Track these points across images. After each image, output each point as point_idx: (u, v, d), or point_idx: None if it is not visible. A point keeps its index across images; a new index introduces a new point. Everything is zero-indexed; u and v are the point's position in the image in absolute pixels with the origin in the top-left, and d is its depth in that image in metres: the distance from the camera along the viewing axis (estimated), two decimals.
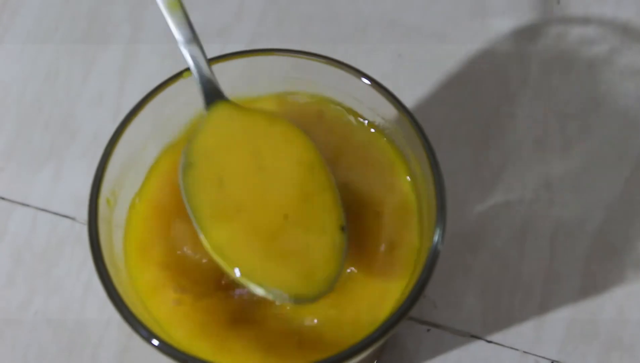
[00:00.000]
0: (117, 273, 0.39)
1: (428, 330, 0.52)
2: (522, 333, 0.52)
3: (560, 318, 0.52)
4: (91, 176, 0.40)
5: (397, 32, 0.61)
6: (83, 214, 0.55)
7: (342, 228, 0.40)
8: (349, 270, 0.41)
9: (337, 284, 0.39)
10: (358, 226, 0.42)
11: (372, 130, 0.45)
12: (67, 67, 0.60)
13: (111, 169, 0.40)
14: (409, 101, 0.57)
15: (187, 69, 0.41)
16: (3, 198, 0.56)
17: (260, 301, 0.41)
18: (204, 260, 0.41)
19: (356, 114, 0.45)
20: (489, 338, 0.52)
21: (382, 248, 0.42)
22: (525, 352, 0.51)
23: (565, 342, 0.52)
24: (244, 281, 0.37)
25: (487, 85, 0.59)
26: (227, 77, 0.43)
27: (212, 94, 0.41)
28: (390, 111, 0.43)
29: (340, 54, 0.44)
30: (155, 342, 0.36)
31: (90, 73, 0.60)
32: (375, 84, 0.43)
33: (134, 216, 0.43)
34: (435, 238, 0.39)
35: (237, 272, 0.37)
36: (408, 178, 0.43)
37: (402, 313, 0.37)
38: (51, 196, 0.56)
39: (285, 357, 0.39)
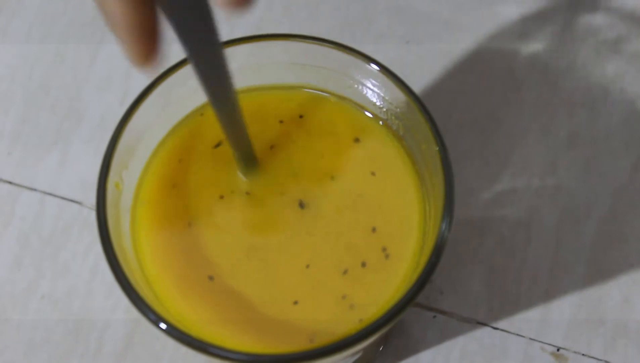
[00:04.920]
0: (125, 257, 0.39)
1: (434, 317, 0.52)
2: (528, 320, 0.52)
3: (566, 305, 0.52)
4: (98, 160, 0.40)
5: (405, 19, 0.61)
6: (90, 198, 0.55)
7: None
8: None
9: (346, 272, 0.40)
10: (363, 214, 0.42)
11: (380, 116, 0.45)
12: (74, 51, 0.60)
13: (119, 153, 0.40)
14: (416, 88, 0.57)
15: None
16: (10, 182, 0.56)
17: (270, 298, 0.41)
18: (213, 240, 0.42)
19: (363, 103, 0.45)
20: (495, 325, 0.52)
21: (389, 235, 0.42)
22: (531, 338, 0.51)
23: (571, 329, 0.52)
24: None
25: (494, 72, 0.59)
26: (234, 62, 0.43)
27: None
28: (399, 97, 0.43)
29: (347, 40, 0.44)
30: (163, 325, 0.36)
31: (97, 57, 0.60)
32: (384, 69, 0.43)
33: (142, 197, 0.43)
34: (443, 225, 0.39)
35: None
36: (415, 165, 0.44)
37: (408, 299, 0.37)
38: (58, 181, 0.56)
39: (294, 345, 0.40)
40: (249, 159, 0.43)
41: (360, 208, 0.43)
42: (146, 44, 0.32)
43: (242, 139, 0.41)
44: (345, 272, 0.41)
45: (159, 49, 0.32)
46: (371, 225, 0.42)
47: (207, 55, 0.34)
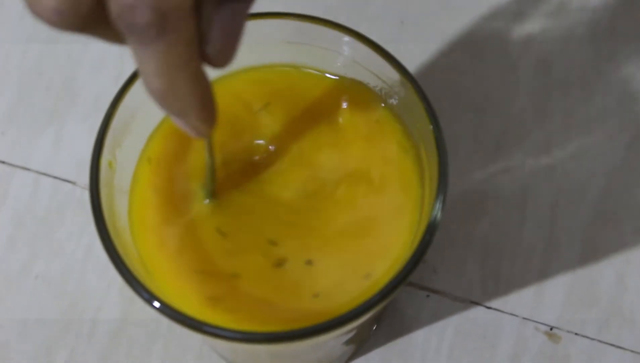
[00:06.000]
0: (119, 236, 0.39)
1: (428, 296, 0.52)
2: (521, 300, 0.52)
3: (560, 285, 0.52)
4: (92, 140, 0.40)
5: (400, 0, 0.61)
6: (84, 178, 0.55)
7: None
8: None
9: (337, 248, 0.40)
10: (358, 191, 0.42)
11: (375, 95, 0.45)
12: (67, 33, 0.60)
13: (112, 132, 0.40)
14: (411, 68, 0.56)
15: None
16: (4, 162, 0.56)
17: (267, 265, 0.41)
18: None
19: (358, 82, 0.45)
20: (488, 305, 0.52)
21: (383, 214, 0.42)
22: (524, 318, 0.51)
23: (564, 309, 0.52)
24: None
25: (489, 52, 0.59)
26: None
27: None
28: (393, 76, 0.43)
29: (342, 20, 0.44)
30: (156, 304, 0.37)
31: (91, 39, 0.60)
32: (379, 48, 0.43)
33: (139, 177, 0.43)
34: (437, 204, 0.39)
35: None
36: (409, 144, 0.44)
37: (401, 278, 0.37)
38: (52, 161, 0.56)
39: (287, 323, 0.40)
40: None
41: (355, 187, 0.43)
42: (212, 111, 0.34)
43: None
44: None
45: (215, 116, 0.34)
46: (366, 204, 0.42)
47: None
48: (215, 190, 0.42)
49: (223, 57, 0.33)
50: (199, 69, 0.32)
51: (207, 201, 0.42)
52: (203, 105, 0.33)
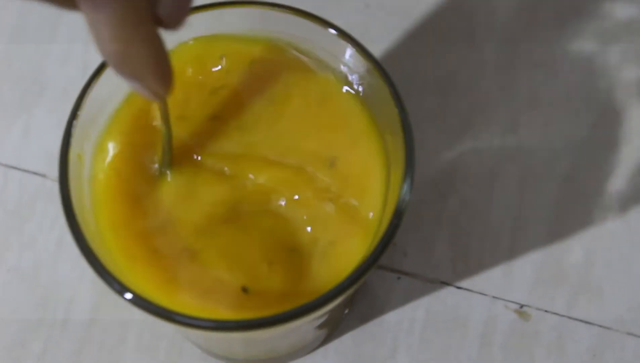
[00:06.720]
0: (89, 229, 0.39)
1: (398, 278, 0.53)
2: (491, 279, 0.52)
3: (528, 263, 0.53)
4: (61, 131, 0.40)
5: None
6: (54, 171, 0.55)
7: None
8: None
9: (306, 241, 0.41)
10: (322, 176, 0.43)
11: (342, 80, 0.45)
12: (35, 23, 0.60)
13: (81, 125, 0.40)
14: (377, 51, 0.57)
15: None
16: None
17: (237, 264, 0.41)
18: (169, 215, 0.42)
19: (325, 68, 0.45)
20: (458, 285, 0.52)
21: (349, 199, 0.42)
22: (494, 297, 0.52)
23: (534, 287, 0.52)
24: None
25: (454, 33, 0.59)
26: (191, 32, 0.43)
27: None
28: (359, 61, 0.43)
29: (309, 5, 0.44)
30: (128, 295, 0.37)
31: (58, 29, 0.59)
32: (343, 34, 0.43)
33: (98, 167, 0.43)
34: (404, 188, 0.39)
35: None
36: (375, 128, 0.44)
37: (371, 261, 0.38)
38: (21, 153, 0.56)
39: (262, 308, 0.40)
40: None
41: (321, 172, 0.43)
42: (168, 72, 0.34)
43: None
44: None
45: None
46: (333, 188, 0.43)
47: None
48: (173, 160, 0.42)
49: (175, 19, 0.34)
50: (153, 30, 0.32)
51: (167, 174, 0.42)
52: (158, 66, 0.33)
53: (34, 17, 0.60)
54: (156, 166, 0.43)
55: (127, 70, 0.33)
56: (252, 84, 0.45)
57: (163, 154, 0.42)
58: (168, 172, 0.42)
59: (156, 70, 0.33)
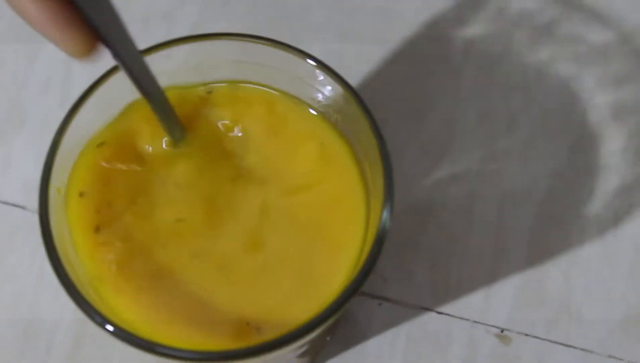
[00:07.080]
0: (69, 261, 0.39)
1: (379, 304, 0.53)
2: (471, 304, 0.53)
3: (508, 287, 0.53)
4: (41, 162, 0.40)
5: (341, 11, 0.62)
6: (33, 202, 0.55)
7: None
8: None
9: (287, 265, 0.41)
10: (304, 206, 0.43)
11: (319, 109, 0.45)
12: (13, 52, 0.60)
13: (60, 158, 0.41)
14: (354, 79, 0.57)
15: None
16: None
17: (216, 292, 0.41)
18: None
19: (303, 97, 0.46)
20: (439, 310, 0.53)
21: (330, 227, 0.42)
22: (475, 321, 0.52)
23: (513, 310, 0.52)
24: None
25: (431, 59, 0.60)
26: (172, 63, 0.43)
27: None
28: (336, 89, 0.43)
29: (286, 34, 0.45)
30: (109, 327, 0.37)
31: (37, 60, 0.60)
32: (320, 64, 0.43)
33: (72, 198, 0.43)
34: (384, 215, 0.39)
35: None
36: (354, 157, 0.44)
37: (353, 290, 0.38)
38: (1, 185, 0.56)
39: (242, 339, 0.40)
40: (175, 125, 0.43)
41: (302, 201, 0.43)
42: (73, 34, 0.36)
43: (166, 109, 0.42)
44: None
45: (88, 36, 0.36)
46: (314, 219, 0.43)
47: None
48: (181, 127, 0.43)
49: None
50: None
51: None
52: (57, 25, 0.35)
53: (11, 46, 0.60)
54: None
55: (46, 30, 0.36)
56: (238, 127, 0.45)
57: (164, 126, 0.43)
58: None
59: (54, 25, 0.35)
